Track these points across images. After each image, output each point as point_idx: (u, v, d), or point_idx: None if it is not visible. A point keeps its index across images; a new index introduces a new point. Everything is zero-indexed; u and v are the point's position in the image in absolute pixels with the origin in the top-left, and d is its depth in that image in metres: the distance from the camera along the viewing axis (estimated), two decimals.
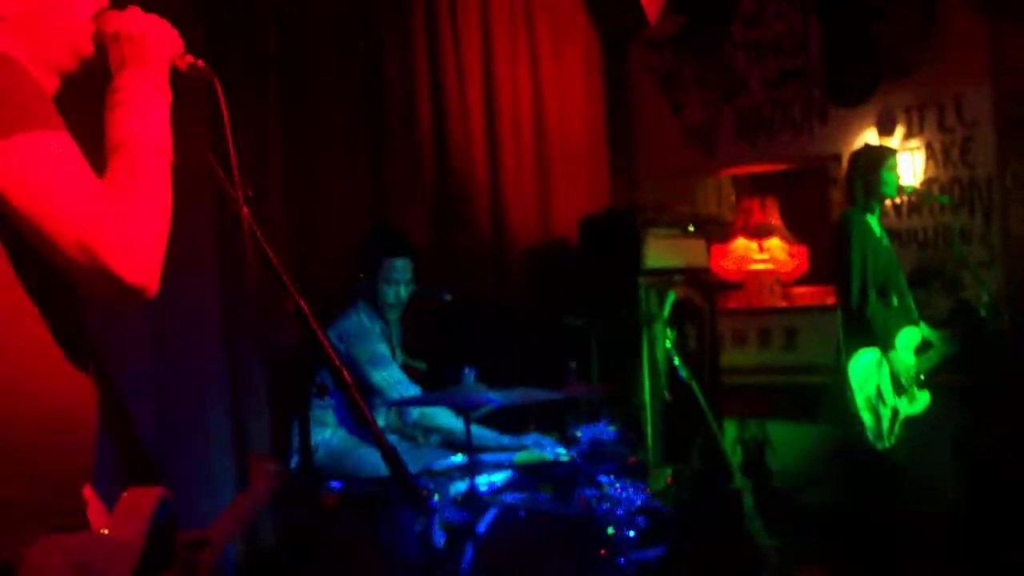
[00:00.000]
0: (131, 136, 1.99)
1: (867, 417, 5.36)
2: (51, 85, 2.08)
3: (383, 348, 4.97)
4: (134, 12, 2.13)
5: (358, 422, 2.43)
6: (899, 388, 5.44)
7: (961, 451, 6.18)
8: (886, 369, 5.42)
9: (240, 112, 5.13)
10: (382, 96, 6.12)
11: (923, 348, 5.56)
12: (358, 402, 2.35)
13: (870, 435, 5.36)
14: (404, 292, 5.10)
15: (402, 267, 5.08)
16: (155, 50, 2.11)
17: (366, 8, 6.06)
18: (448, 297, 5.30)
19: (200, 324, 4.93)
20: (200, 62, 2.20)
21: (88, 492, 2.10)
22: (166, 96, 2.11)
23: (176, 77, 2.16)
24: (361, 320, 5.02)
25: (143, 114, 2.03)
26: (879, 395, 5.39)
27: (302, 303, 2.29)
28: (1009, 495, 5.76)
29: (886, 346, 5.41)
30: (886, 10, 6.82)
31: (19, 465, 1.89)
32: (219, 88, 2.20)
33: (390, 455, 2.36)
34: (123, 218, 1.86)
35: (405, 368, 5.09)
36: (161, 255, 1.92)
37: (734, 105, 7.57)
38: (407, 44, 6.28)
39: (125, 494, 2.18)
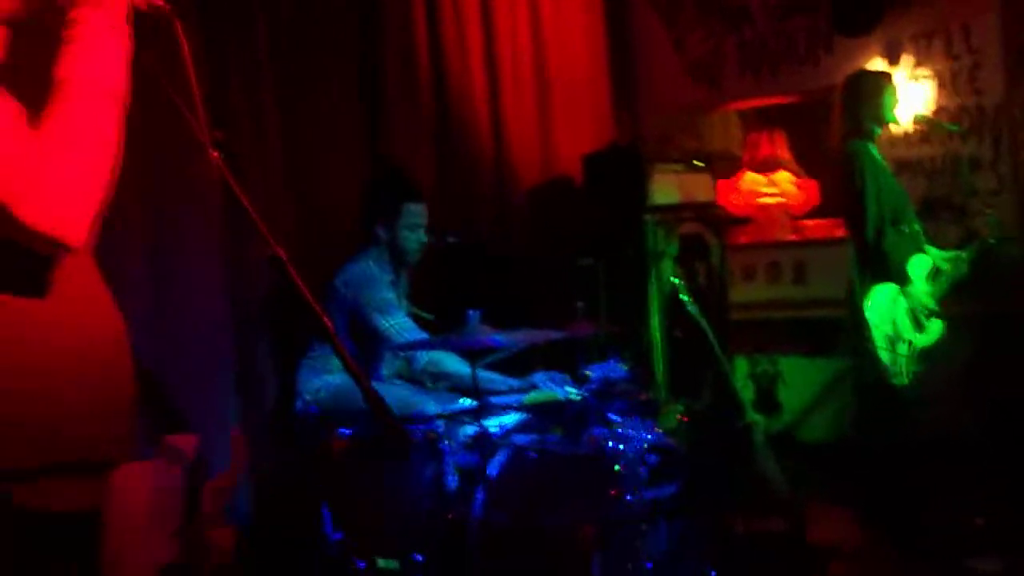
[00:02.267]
0: (74, 74, 1.94)
1: (886, 355, 5.30)
2: None
3: (390, 295, 4.94)
4: None
5: (346, 367, 2.37)
6: (917, 322, 5.38)
7: (974, 383, 6.15)
8: (903, 304, 5.35)
9: (233, 63, 5.15)
10: (381, 38, 6.06)
11: (934, 274, 5.49)
12: (337, 346, 2.31)
13: (889, 372, 5.32)
14: (423, 236, 5.07)
15: (422, 212, 5.05)
16: None
17: None
18: (453, 240, 5.26)
19: (203, 273, 4.91)
20: (159, 1, 2.13)
21: None
22: (122, 35, 2.04)
23: (136, 15, 2.10)
24: (369, 267, 4.98)
25: (92, 52, 1.97)
26: (896, 331, 5.33)
27: (279, 250, 2.24)
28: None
29: (902, 279, 5.34)
30: None
31: (73, 401, 1.91)
32: (179, 26, 2.13)
33: (374, 400, 2.33)
34: (42, 165, 1.81)
35: (413, 317, 5.06)
36: (89, 201, 1.88)
37: (738, 38, 7.47)
38: None
39: (167, 438, 2.22)
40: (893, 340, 5.31)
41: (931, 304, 5.39)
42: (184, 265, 4.77)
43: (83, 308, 1.99)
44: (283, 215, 5.38)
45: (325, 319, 2.29)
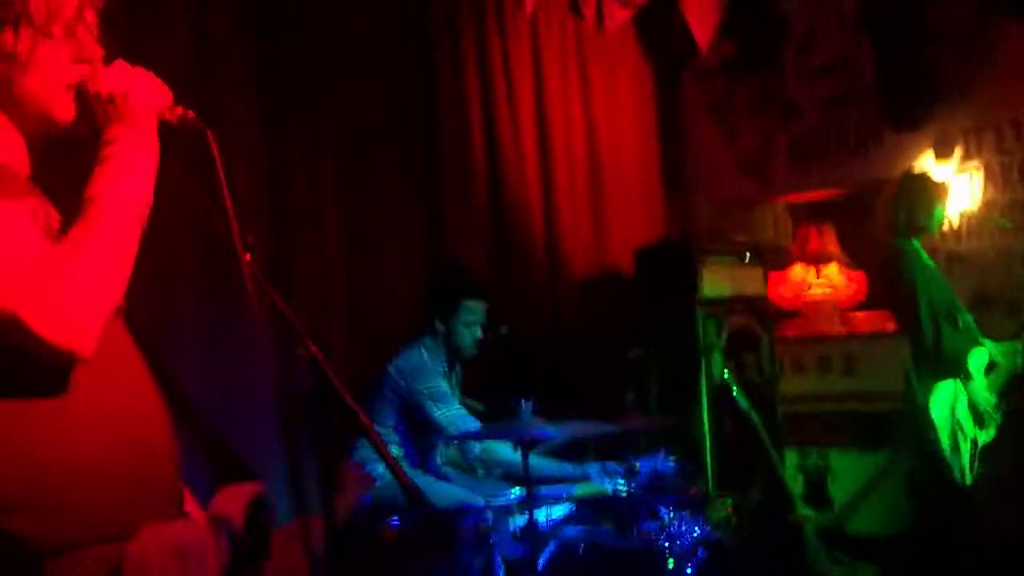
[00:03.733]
0: (105, 193, 2.02)
1: (951, 455, 5.26)
2: (20, 150, 2.09)
3: (444, 384, 5.00)
4: (118, 68, 2.15)
5: (383, 459, 2.42)
6: (979, 419, 5.34)
7: None
8: (964, 400, 5.31)
9: (294, 159, 5.26)
10: (437, 133, 6.17)
11: (990, 368, 5.46)
12: (376, 442, 2.35)
13: (956, 473, 5.26)
14: (479, 333, 5.14)
15: (481, 310, 5.13)
16: (140, 105, 2.13)
17: (418, 49, 6.12)
18: (505, 330, 5.31)
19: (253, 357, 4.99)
20: (190, 114, 2.21)
21: (186, 496, 2.19)
22: (152, 152, 2.12)
23: (167, 130, 2.18)
24: (423, 356, 5.05)
25: (124, 171, 2.06)
26: (960, 428, 5.29)
27: (314, 349, 2.28)
28: None
29: (962, 374, 5.31)
30: (941, 31, 6.76)
31: (112, 485, 1.96)
32: (211, 138, 2.21)
33: (411, 491, 2.37)
34: (57, 277, 1.87)
35: (464, 407, 5.10)
36: (100, 313, 1.93)
37: (788, 131, 7.52)
38: (460, 81, 6.34)
39: (223, 488, 2.24)
40: (957, 439, 5.27)
41: (992, 399, 5.35)
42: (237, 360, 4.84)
43: (119, 390, 2.04)
44: (337, 305, 5.46)
45: (362, 416, 2.33)
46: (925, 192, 5.58)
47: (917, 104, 6.89)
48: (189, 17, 4.83)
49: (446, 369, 5.13)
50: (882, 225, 5.57)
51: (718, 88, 7.89)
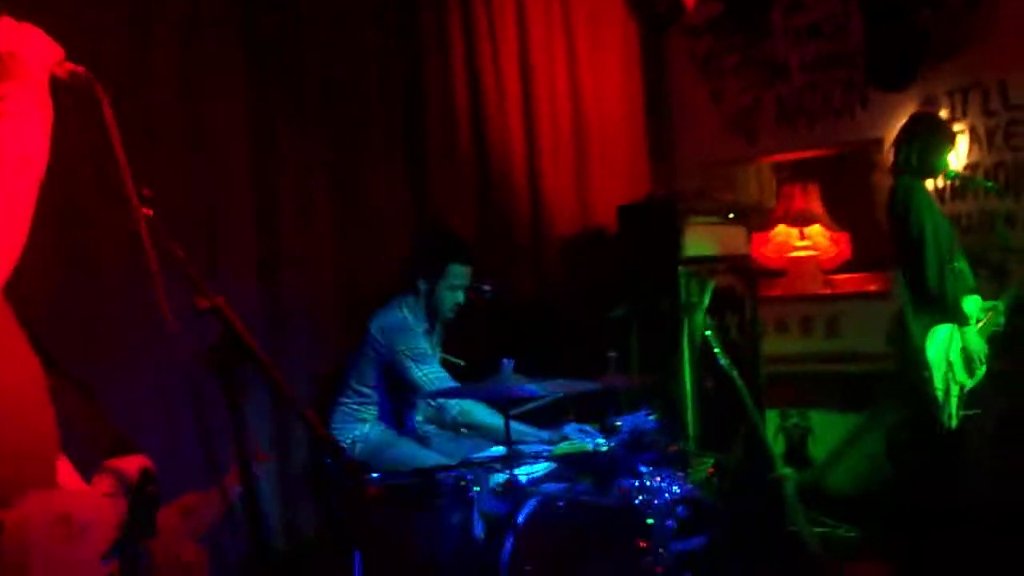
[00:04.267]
0: None
1: (943, 397, 5.29)
2: None
3: (424, 344, 4.99)
4: (4, 25, 2.11)
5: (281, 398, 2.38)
6: (969, 364, 5.36)
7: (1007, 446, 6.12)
8: (958, 344, 5.33)
9: (280, 120, 5.22)
10: (420, 94, 6.13)
11: (979, 316, 5.49)
12: (283, 392, 2.33)
13: (943, 416, 5.29)
14: (462, 298, 5.13)
15: (466, 274, 5.11)
16: (29, 61, 2.08)
17: (404, 10, 6.07)
18: (488, 289, 5.30)
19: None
20: (80, 69, 2.18)
21: (64, 464, 2.14)
22: (45, 108, 2.09)
23: (59, 85, 2.14)
24: (404, 315, 5.03)
25: (16, 127, 2.02)
26: (952, 372, 5.31)
27: (217, 298, 2.25)
28: None
29: (961, 319, 5.32)
30: None
31: None
32: (101, 93, 2.17)
33: (325, 443, 2.36)
34: None
35: (444, 364, 5.10)
36: None
37: (775, 91, 7.50)
38: (444, 39, 6.28)
39: (107, 461, 2.21)
40: (948, 382, 5.30)
41: (984, 346, 5.38)
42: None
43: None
44: (325, 270, 5.45)
45: (270, 367, 2.30)
46: (939, 133, 5.60)
47: (904, 65, 6.86)
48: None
49: (427, 328, 5.12)
50: (893, 165, 5.61)
51: (705, 47, 7.85)
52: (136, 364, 4.32)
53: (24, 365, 2.07)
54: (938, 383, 5.29)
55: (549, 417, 4.84)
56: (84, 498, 2.07)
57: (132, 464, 2.23)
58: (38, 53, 2.12)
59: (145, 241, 2.16)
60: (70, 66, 2.17)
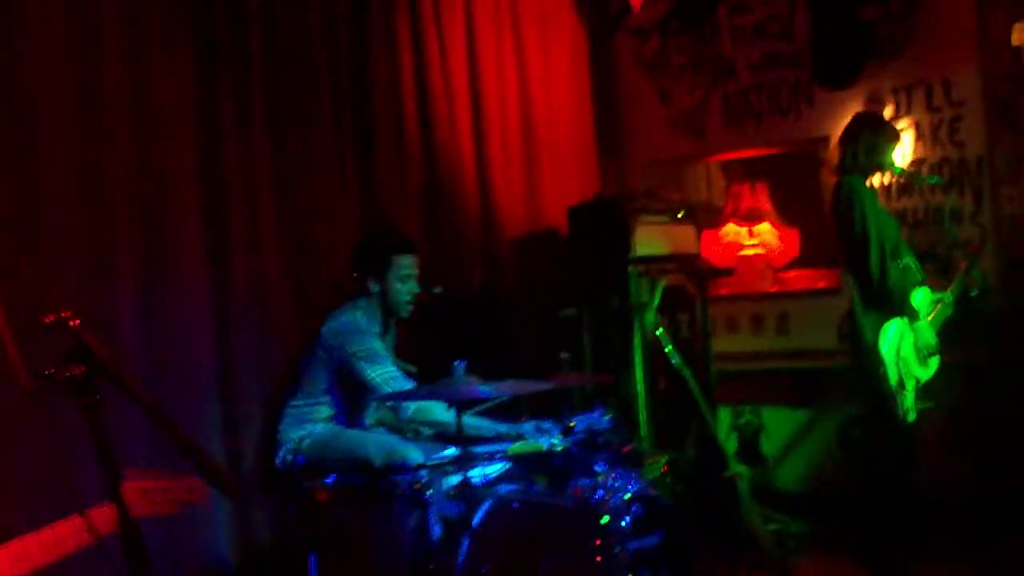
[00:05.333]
0: None
1: (897, 392, 5.33)
2: None
3: (377, 345, 4.95)
4: None
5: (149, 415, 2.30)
6: (922, 357, 5.41)
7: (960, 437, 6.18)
8: (910, 339, 5.38)
9: (229, 116, 5.18)
10: (368, 93, 6.10)
11: (929, 309, 5.54)
12: (131, 392, 2.27)
13: (900, 411, 5.33)
14: (415, 288, 5.10)
15: (412, 263, 5.08)
16: None
17: (352, 9, 6.04)
18: (439, 290, 5.28)
19: (192, 327, 4.95)
20: None
21: None
22: None
23: None
24: (357, 318, 4.99)
25: None
26: (906, 367, 5.35)
27: (64, 313, 2.18)
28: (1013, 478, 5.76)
29: (909, 313, 5.36)
30: None
31: None
32: None
33: (189, 448, 2.31)
34: None
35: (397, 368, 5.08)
36: None
37: (722, 90, 7.54)
38: (392, 40, 6.26)
39: None
40: (903, 377, 5.34)
41: (934, 339, 5.42)
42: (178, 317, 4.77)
43: None
44: (276, 272, 5.41)
45: (129, 382, 2.25)
46: (882, 131, 5.64)
47: (849, 63, 6.91)
48: None
49: (381, 330, 5.09)
50: (837, 166, 5.65)
51: (653, 48, 7.88)
52: None
53: None
54: (892, 379, 5.32)
55: (504, 418, 4.82)
56: None
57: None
58: None
59: None
60: None
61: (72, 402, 2.18)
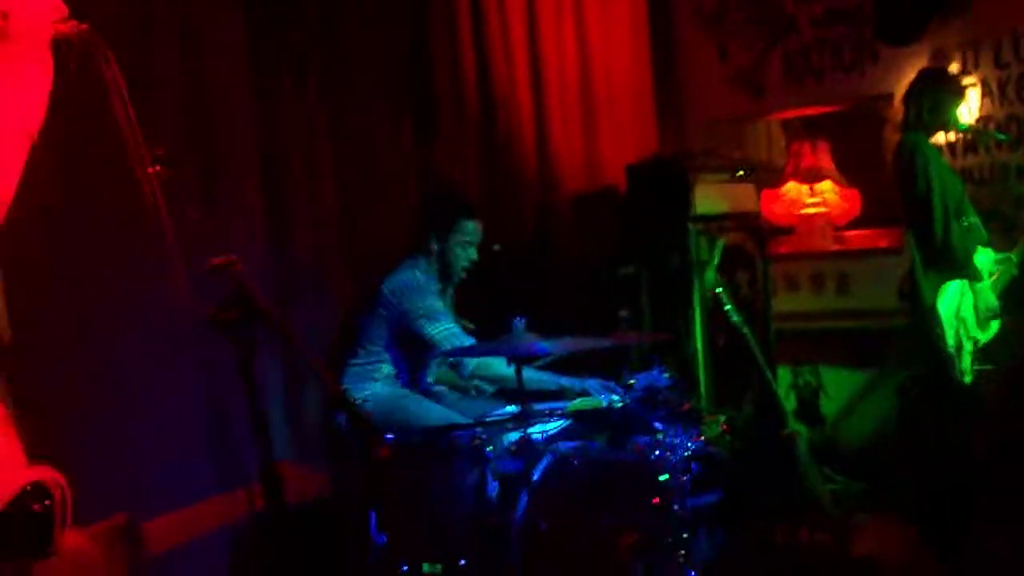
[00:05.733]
0: None
1: (956, 354, 5.27)
2: None
3: (438, 303, 4.98)
4: None
5: (307, 364, 2.35)
6: (982, 319, 5.34)
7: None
8: (970, 300, 5.31)
9: (287, 80, 5.21)
10: (427, 55, 6.10)
11: (991, 270, 5.47)
12: (296, 349, 2.30)
13: (957, 372, 5.28)
14: (474, 255, 5.11)
15: (476, 230, 5.10)
16: (27, 20, 2.05)
17: None
18: (498, 248, 5.28)
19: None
20: (84, 27, 2.14)
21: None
22: (44, 66, 2.06)
23: (62, 45, 2.11)
24: (416, 276, 5.02)
25: (12, 86, 2.00)
26: (965, 328, 5.30)
27: (229, 256, 2.22)
28: None
29: (972, 274, 5.30)
30: None
31: None
32: (108, 50, 2.14)
33: (339, 398, 2.34)
34: None
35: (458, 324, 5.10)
36: None
37: (783, 47, 7.43)
38: (452, 2, 6.24)
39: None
40: (961, 338, 5.29)
41: (995, 301, 5.36)
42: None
43: None
44: (334, 229, 5.44)
45: (282, 324, 2.27)
46: (948, 87, 5.57)
47: (913, 19, 6.80)
48: None
49: (440, 288, 5.11)
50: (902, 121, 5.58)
51: (712, 3, 7.78)
52: (144, 329, 4.33)
53: None
54: (950, 340, 5.27)
55: (564, 375, 4.83)
56: None
57: (21, 477, 2.14)
58: (37, 12, 2.07)
59: (158, 201, 2.13)
60: (74, 24, 2.14)
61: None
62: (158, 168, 2.17)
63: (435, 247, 5.05)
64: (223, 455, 4.49)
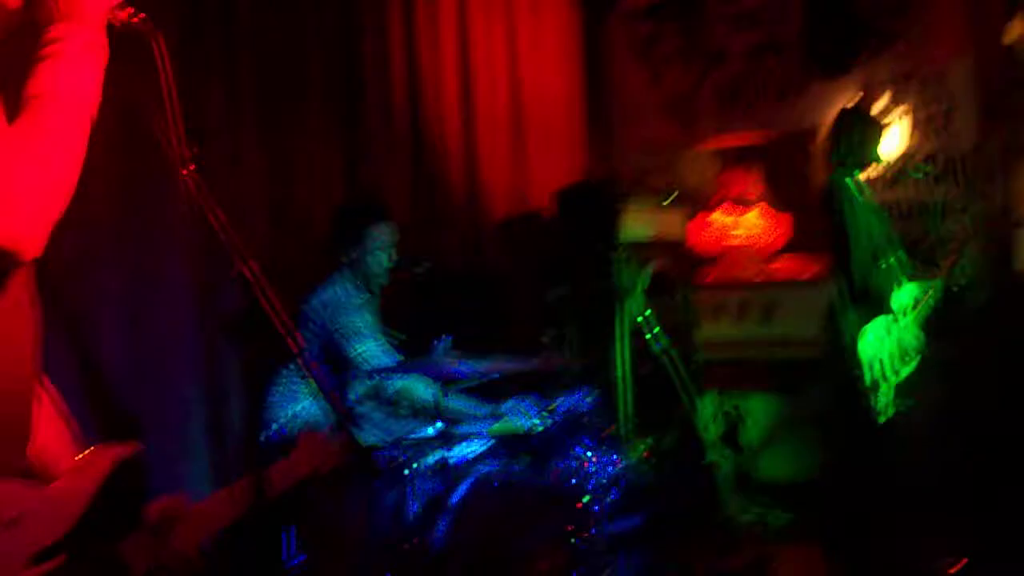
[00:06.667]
0: (48, 90, 1.94)
1: (875, 389, 5.30)
2: None
3: (360, 321, 4.92)
4: None
5: (319, 387, 2.33)
6: (905, 356, 5.39)
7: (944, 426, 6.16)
8: (893, 337, 5.36)
9: (213, 76, 5.15)
10: (357, 67, 6.06)
11: (913, 306, 5.51)
12: (309, 369, 2.27)
13: (877, 407, 5.31)
14: (390, 259, 5.05)
15: (388, 232, 5.03)
16: (87, 4, 2.04)
17: None
18: (422, 268, 5.24)
19: (174, 299, 4.90)
20: (140, 16, 2.13)
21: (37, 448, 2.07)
22: (99, 51, 2.05)
23: (116, 30, 2.10)
24: (337, 292, 4.96)
25: (68, 69, 1.98)
26: (882, 368, 5.33)
27: (251, 266, 2.20)
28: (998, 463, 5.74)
29: (889, 311, 5.35)
30: None
31: None
32: (161, 42, 2.13)
33: (345, 421, 2.32)
34: (6, 177, 1.79)
35: (385, 336, 5.05)
36: (48, 215, 1.86)
37: (714, 76, 7.50)
38: (382, 20, 6.22)
39: (88, 451, 2.14)
40: (879, 379, 5.32)
41: (917, 339, 5.40)
42: (156, 281, 4.76)
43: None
44: (259, 239, 5.37)
45: (293, 339, 2.25)
46: (869, 124, 5.62)
47: (843, 52, 6.88)
48: None
49: (363, 299, 5.05)
50: (823, 162, 5.62)
51: (644, 32, 7.84)
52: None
53: (21, 353, 2.01)
54: (869, 376, 5.31)
55: (487, 392, 4.80)
56: (20, 488, 1.98)
57: (108, 453, 2.15)
58: None
59: (189, 202, 2.12)
60: (130, 10, 2.14)
61: None
62: (193, 168, 2.16)
63: (351, 258, 5.00)
64: None
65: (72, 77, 1.98)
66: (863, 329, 5.30)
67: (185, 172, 2.17)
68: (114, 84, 2.08)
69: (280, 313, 2.21)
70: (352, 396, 5.13)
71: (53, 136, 1.90)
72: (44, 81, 1.95)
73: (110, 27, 2.09)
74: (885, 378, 5.33)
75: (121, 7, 2.12)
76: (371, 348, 4.85)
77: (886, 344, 5.33)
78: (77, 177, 1.93)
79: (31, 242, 1.83)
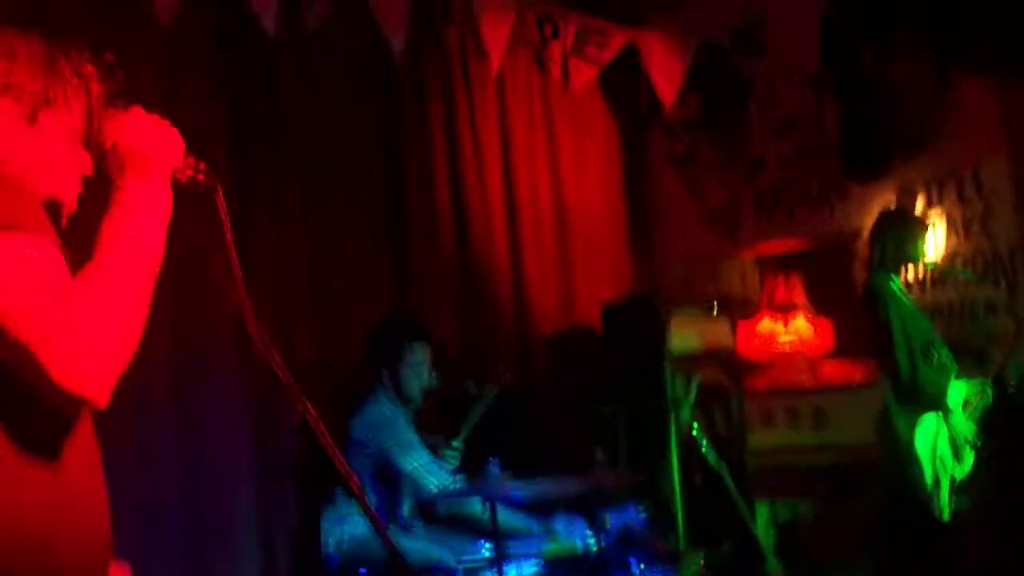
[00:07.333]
0: (116, 238, 2.00)
1: (932, 490, 5.27)
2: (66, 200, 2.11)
3: (410, 435, 4.99)
4: (135, 116, 2.13)
5: (372, 520, 2.37)
6: (958, 454, 5.36)
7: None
8: (945, 435, 5.34)
9: (263, 207, 5.28)
10: (404, 192, 6.19)
11: (965, 404, 5.49)
12: (366, 507, 2.32)
13: (935, 508, 5.27)
14: (427, 377, 5.12)
15: (422, 350, 5.11)
16: (153, 156, 2.10)
17: (386, 104, 6.16)
18: (473, 385, 5.31)
19: (231, 447, 5.00)
20: (201, 169, 2.20)
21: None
22: (164, 202, 2.11)
23: (181, 186, 2.17)
24: (382, 409, 5.04)
25: (134, 218, 2.04)
26: (940, 464, 5.30)
27: (310, 411, 2.25)
28: None
29: (942, 409, 5.33)
30: (900, 86, 6.83)
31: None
32: (220, 196, 2.20)
33: (393, 551, 2.36)
34: (76, 322, 1.84)
35: (436, 450, 5.10)
36: (116, 365, 1.89)
37: (753, 185, 7.57)
38: (425, 136, 6.37)
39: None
40: (938, 475, 5.29)
41: (971, 433, 5.37)
42: (213, 418, 4.85)
43: (78, 476, 1.99)
44: (303, 363, 5.45)
45: (353, 481, 2.30)
46: (911, 225, 5.67)
47: (878, 156, 6.93)
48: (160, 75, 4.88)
49: (406, 414, 5.12)
50: (866, 263, 5.66)
51: (683, 145, 7.94)
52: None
53: (97, 472, 2.05)
54: (928, 477, 5.28)
55: (538, 512, 4.82)
56: None
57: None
58: (164, 148, 2.13)
59: (258, 351, 2.17)
60: (192, 162, 2.19)
61: None
62: (266, 336, 2.20)
63: (386, 377, 5.08)
64: None
65: (139, 226, 2.03)
66: (918, 424, 5.29)
67: (253, 325, 2.20)
68: (175, 234, 2.14)
69: (339, 456, 2.25)
70: (405, 511, 5.17)
71: (121, 283, 1.94)
72: (113, 229, 2.00)
73: (174, 181, 2.15)
74: (944, 471, 5.31)
75: (184, 158, 2.17)
76: (425, 462, 4.91)
77: (942, 440, 5.32)
78: (143, 327, 1.97)
79: (100, 389, 1.85)
